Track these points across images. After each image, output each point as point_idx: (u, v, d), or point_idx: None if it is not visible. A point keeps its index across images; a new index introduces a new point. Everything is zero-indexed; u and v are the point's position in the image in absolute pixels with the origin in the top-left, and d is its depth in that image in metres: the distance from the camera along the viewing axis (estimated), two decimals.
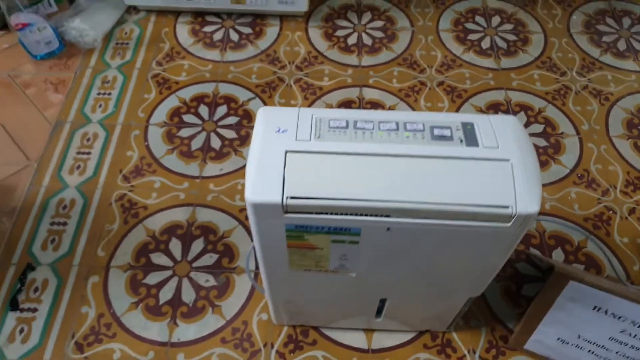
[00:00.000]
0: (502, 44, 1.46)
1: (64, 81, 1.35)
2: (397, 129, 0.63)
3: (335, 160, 0.60)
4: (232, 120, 1.28)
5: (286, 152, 0.60)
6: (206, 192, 1.15)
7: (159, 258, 1.06)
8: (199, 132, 1.25)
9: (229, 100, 1.31)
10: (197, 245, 1.07)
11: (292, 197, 0.58)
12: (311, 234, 0.63)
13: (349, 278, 0.74)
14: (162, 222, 1.10)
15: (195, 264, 1.05)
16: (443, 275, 0.73)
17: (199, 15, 1.51)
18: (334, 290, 0.79)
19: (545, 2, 1.57)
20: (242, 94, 1.32)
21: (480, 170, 0.60)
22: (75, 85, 1.33)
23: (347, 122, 0.63)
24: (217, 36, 1.46)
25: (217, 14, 1.51)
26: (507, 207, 0.58)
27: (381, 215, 0.60)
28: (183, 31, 1.47)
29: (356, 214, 0.60)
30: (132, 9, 1.52)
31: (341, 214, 0.60)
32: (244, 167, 1.20)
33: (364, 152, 0.61)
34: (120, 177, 1.17)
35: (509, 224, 0.60)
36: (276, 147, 0.61)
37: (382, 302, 0.84)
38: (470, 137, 0.62)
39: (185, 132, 1.25)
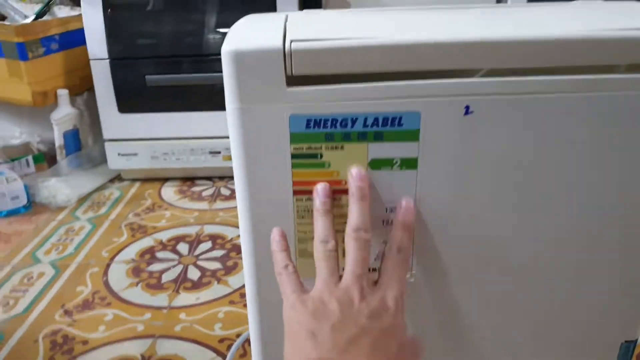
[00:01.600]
0: None
1: (21, 233, 1.14)
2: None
3: (366, 13, 0.40)
4: (217, 253, 1.03)
5: (287, 16, 0.40)
6: (174, 322, 0.83)
7: None
8: (173, 266, 0.99)
9: (215, 237, 1.09)
10: None
11: (296, 41, 0.36)
12: (333, 145, 0.38)
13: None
14: (104, 358, 0.75)
15: None
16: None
17: (188, 180, 1.40)
18: None
19: None
20: (232, 232, 1.10)
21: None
22: (33, 234, 1.12)
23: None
24: (207, 193, 1.32)
25: (208, 177, 1.40)
26: None
27: (453, 75, 0.36)
28: (169, 191, 1.33)
29: (412, 77, 0.36)
30: (115, 179, 1.41)
31: (385, 78, 0.36)
32: (230, 294, 0.90)
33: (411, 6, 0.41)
34: (60, 312, 0.86)
35: None
36: (271, 18, 0.41)
37: None
38: None
39: (156, 267, 0.99)
